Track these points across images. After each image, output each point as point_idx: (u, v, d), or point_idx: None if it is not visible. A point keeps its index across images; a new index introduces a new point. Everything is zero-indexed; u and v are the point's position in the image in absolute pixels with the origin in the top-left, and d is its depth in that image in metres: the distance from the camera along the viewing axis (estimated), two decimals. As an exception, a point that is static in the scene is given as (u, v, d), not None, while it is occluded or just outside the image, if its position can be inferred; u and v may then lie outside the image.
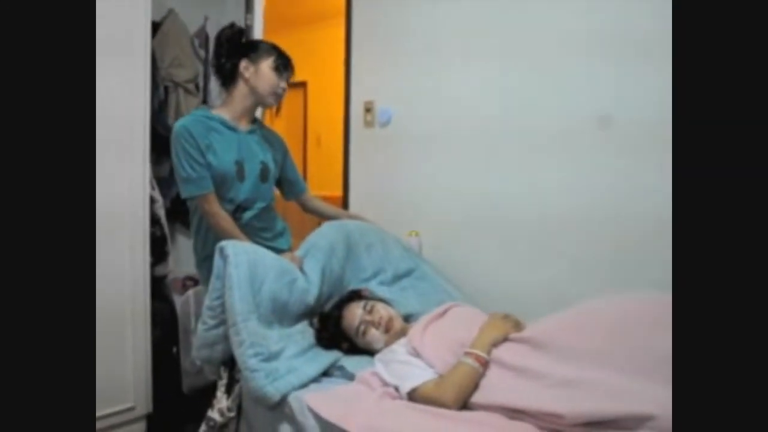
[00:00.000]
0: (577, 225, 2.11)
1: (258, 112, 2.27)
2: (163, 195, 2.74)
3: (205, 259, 2.03)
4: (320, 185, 5.10)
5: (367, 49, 2.77)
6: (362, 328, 1.78)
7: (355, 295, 1.91)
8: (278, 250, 2.02)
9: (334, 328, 1.83)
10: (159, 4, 2.75)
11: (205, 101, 3.04)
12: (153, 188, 2.52)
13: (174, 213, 2.95)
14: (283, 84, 2.05)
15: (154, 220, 2.50)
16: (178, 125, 1.93)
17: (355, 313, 1.81)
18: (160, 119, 2.75)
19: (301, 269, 1.94)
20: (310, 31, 5.24)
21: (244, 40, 2.18)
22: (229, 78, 2.03)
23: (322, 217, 2.35)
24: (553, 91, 2.16)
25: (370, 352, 1.78)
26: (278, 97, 2.07)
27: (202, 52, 3.09)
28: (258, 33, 3.17)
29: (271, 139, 2.18)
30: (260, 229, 2.09)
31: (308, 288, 1.90)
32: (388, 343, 1.74)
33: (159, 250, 2.54)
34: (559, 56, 2.14)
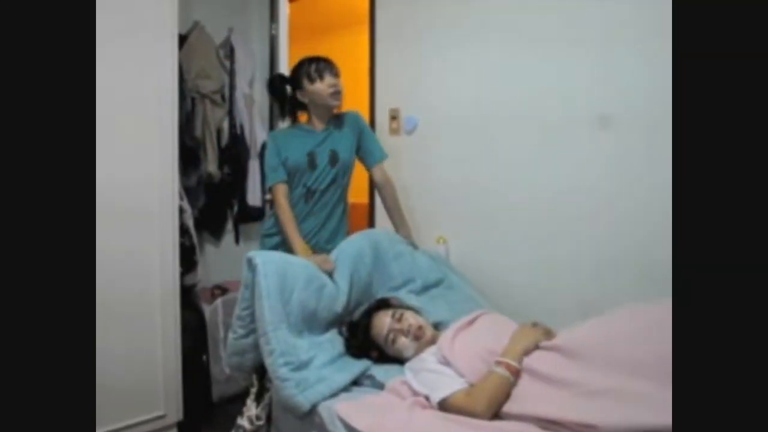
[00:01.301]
0: (606, 226, 2.09)
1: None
2: (192, 205, 2.77)
3: (267, 236, 2.33)
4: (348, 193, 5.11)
5: (391, 56, 2.78)
6: (391, 336, 1.77)
7: (384, 304, 1.90)
8: (331, 234, 2.27)
9: (363, 336, 1.82)
10: (185, 16, 2.79)
11: (230, 112, 3.07)
12: (182, 198, 2.55)
13: (202, 223, 2.98)
14: (330, 81, 2.20)
15: (183, 230, 2.53)
16: (270, 137, 2.43)
17: (383, 321, 1.80)
18: (187, 130, 2.79)
19: (331, 276, 1.95)
20: (334, 38, 5.26)
21: (282, 76, 2.42)
22: (299, 108, 2.33)
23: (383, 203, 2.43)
24: (594, 88, 2.13)
25: (400, 361, 1.77)
26: (336, 96, 2.23)
27: (227, 63, 3.12)
28: (283, 42, 3.20)
29: (344, 126, 2.33)
30: (323, 211, 2.28)
31: (337, 295, 1.91)
32: (417, 351, 1.73)
33: (188, 259, 2.56)
34: (597, 52, 2.12)
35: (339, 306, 1.90)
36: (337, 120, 2.32)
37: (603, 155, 2.10)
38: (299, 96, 2.26)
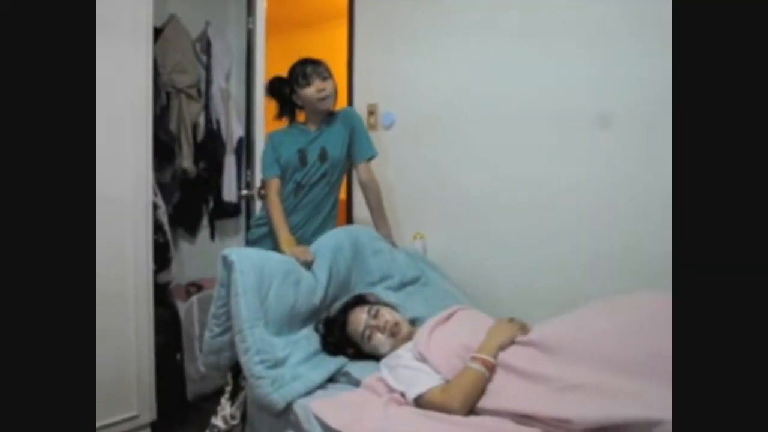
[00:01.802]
0: (588, 224, 2.11)
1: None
2: (166, 201, 2.73)
3: (257, 226, 2.41)
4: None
5: (370, 51, 2.76)
6: (367, 332, 1.76)
7: (360, 300, 1.89)
8: (317, 228, 2.30)
9: (340, 333, 1.81)
10: (160, 9, 2.74)
11: (207, 107, 3.03)
12: (155, 194, 2.51)
13: (177, 219, 2.94)
14: (319, 86, 2.23)
15: (157, 227, 2.48)
16: (267, 137, 2.45)
17: (360, 317, 1.79)
18: (162, 125, 2.74)
19: (309, 267, 1.95)
20: (312, 33, 5.22)
21: (280, 78, 2.35)
22: (297, 108, 2.37)
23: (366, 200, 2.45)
24: (566, 86, 2.15)
25: (376, 357, 1.76)
26: (324, 100, 2.26)
27: (204, 58, 3.07)
28: (260, 36, 3.15)
29: (337, 123, 2.35)
30: (310, 205, 2.32)
31: (315, 288, 1.90)
32: (393, 348, 1.72)
33: (162, 256, 2.52)
34: (567, 49, 2.13)
35: (317, 299, 1.89)
36: (331, 118, 2.35)
37: (582, 151, 2.12)
38: (294, 98, 2.31)
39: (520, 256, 2.28)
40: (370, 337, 1.76)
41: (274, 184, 2.28)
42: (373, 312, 1.79)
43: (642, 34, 1.95)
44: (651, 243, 1.93)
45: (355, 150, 2.37)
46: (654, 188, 1.94)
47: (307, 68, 2.24)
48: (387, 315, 1.79)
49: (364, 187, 2.39)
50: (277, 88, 2.35)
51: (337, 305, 1.92)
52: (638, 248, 1.98)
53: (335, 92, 2.31)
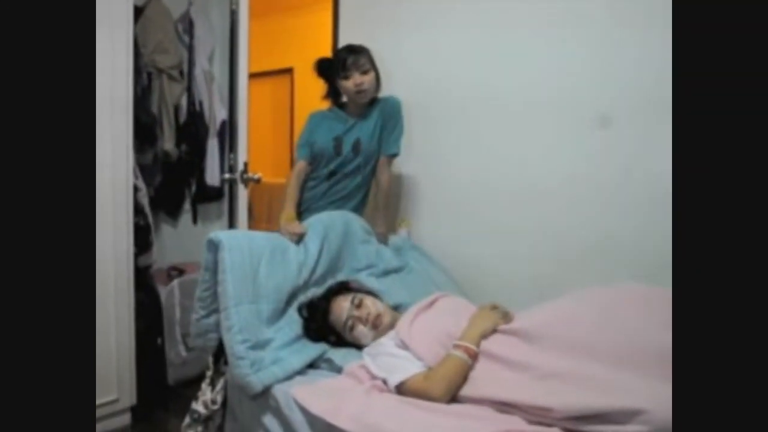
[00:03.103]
0: (574, 212, 2.13)
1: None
2: (147, 183, 2.69)
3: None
4: (308, 173, 5.05)
5: (355, 36, 2.72)
6: (350, 323, 1.75)
7: (344, 288, 1.88)
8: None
9: (322, 320, 1.80)
10: (141, -13, 2.69)
11: (189, 88, 2.98)
12: (136, 177, 2.47)
13: (159, 202, 2.90)
14: (356, 81, 2.20)
15: (138, 210, 2.45)
16: (309, 116, 2.43)
17: (342, 306, 1.78)
18: (143, 106, 2.69)
19: (299, 242, 1.96)
20: (297, 15, 5.16)
21: (327, 60, 2.33)
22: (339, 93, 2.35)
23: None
24: (552, 74, 2.16)
25: (358, 345, 1.76)
26: (361, 93, 2.23)
27: (186, 38, 3.02)
28: (244, 18, 3.10)
29: (374, 114, 2.32)
30: (341, 194, 2.33)
31: (305, 260, 1.91)
32: (375, 339, 1.72)
33: (142, 239, 2.49)
34: (559, 37, 2.13)
35: (306, 270, 1.89)
36: (371, 107, 2.32)
37: (574, 142, 2.13)
38: (337, 84, 2.29)
39: (511, 245, 2.29)
40: (352, 328, 1.75)
41: (300, 166, 2.31)
42: (356, 301, 1.78)
43: (641, 26, 1.95)
44: (642, 236, 1.96)
45: (381, 142, 2.33)
46: (644, 181, 1.96)
47: (348, 59, 2.20)
48: (370, 306, 1.77)
49: (376, 182, 2.37)
50: (323, 69, 2.32)
51: (320, 291, 1.91)
52: (629, 240, 2.00)
53: (377, 84, 2.27)
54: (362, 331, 1.74)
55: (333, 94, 2.36)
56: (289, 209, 2.18)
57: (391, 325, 1.72)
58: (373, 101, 2.31)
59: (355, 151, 2.28)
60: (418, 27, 2.49)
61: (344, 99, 2.36)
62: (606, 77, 2.02)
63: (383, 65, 2.59)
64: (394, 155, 2.35)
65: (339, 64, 2.22)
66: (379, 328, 1.74)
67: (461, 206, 2.42)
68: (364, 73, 2.20)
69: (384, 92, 2.40)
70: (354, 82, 2.20)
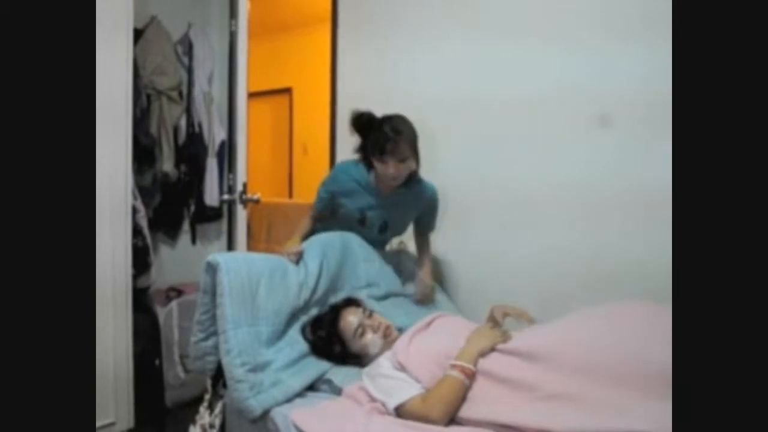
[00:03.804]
0: (573, 221, 2.14)
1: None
2: (146, 204, 2.69)
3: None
4: (307, 194, 5.06)
5: (353, 55, 2.75)
6: (360, 330, 1.75)
7: (352, 302, 1.89)
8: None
9: (330, 327, 1.80)
10: (141, 10, 2.70)
11: (188, 110, 2.99)
12: (135, 198, 2.47)
13: (157, 223, 2.90)
14: (392, 171, 1.99)
15: (136, 231, 2.45)
16: (338, 164, 2.26)
17: (354, 313, 1.80)
18: (142, 127, 2.70)
19: (298, 262, 1.94)
20: (296, 36, 5.21)
21: (368, 118, 2.06)
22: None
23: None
24: (548, 93, 2.17)
25: (358, 363, 1.75)
26: (395, 181, 2.04)
27: (185, 60, 3.04)
28: (243, 39, 3.13)
29: (410, 199, 2.17)
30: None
31: (305, 279, 1.90)
32: (383, 350, 1.72)
33: (141, 261, 2.48)
34: (560, 47, 2.15)
35: (307, 290, 1.88)
36: (406, 190, 2.13)
37: (573, 151, 2.14)
38: (370, 154, 2.05)
39: (507, 256, 2.30)
40: (363, 334, 1.75)
41: (316, 215, 2.23)
42: (367, 312, 1.81)
43: (641, 33, 1.96)
44: (642, 245, 1.96)
45: (421, 222, 2.30)
46: (644, 189, 1.96)
47: (387, 143, 1.95)
48: (380, 318, 1.80)
49: (416, 242, 2.35)
50: (361, 126, 2.08)
51: (324, 309, 1.91)
52: (629, 250, 2.00)
53: (415, 169, 2.08)
54: (372, 338, 1.75)
55: (366, 156, 2.09)
56: (295, 239, 2.10)
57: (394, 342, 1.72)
58: (408, 179, 2.10)
59: (381, 230, 2.22)
60: (416, 46, 2.51)
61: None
62: (606, 84, 2.04)
63: (382, 84, 2.61)
64: (432, 231, 2.33)
65: (374, 144, 1.98)
66: (388, 338, 1.75)
67: (458, 220, 2.42)
68: (403, 161, 1.98)
69: (384, 110, 2.41)
70: (389, 170, 1.98)
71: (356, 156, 2.15)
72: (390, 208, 2.16)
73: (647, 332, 1.38)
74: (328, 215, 2.23)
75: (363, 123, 2.05)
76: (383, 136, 1.96)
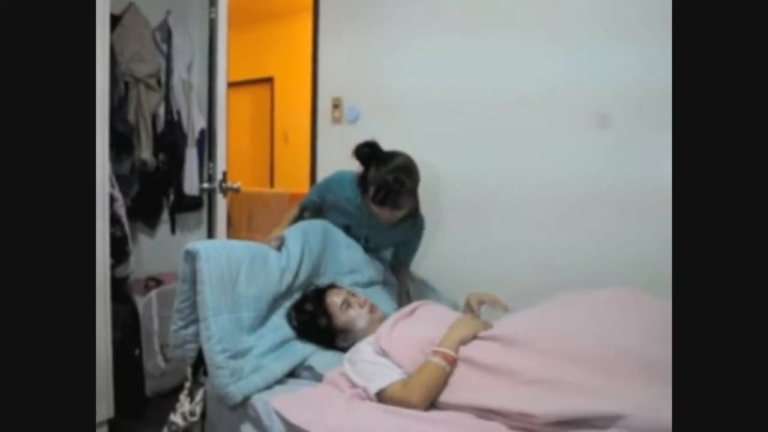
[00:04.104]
0: (570, 219, 2.16)
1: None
2: (124, 193, 2.65)
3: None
4: (288, 183, 5.04)
5: (334, 45, 2.74)
6: (346, 304, 1.80)
7: (336, 286, 1.94)
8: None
9: (316, 301, 1.83)
10: (119, -4, 2.67)
11: (167, 98, 2.96)
12: (113, 186, 2.44)
13: (136, 212, 2.87)
14: (386, 215, 1.95)
15: (114, 220, 2.41)
16: (338, 174, 2.19)
17: (340, 291, 1.87)
18: (119, 115, 2.66)
19: (280, 249, 1.94)
20: (277, 25, 5.16)
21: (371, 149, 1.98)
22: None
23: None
24: (528, 89, 2.19)
25: (344, 343, 1.77)
26: (389, 221, 2.01)
27: (164, 47, 3.00)
28: (222, 27, 3.09)
29: (400, 227, 2.11)
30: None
31: (287, 263, 1.90)
32: (369, 326, 1.75)
33: (119, 250, 2.45)
34: (539, 42, 2.16)
35: (289, 274, 1.88)
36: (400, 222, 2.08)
37: (569, 149, 2.16)
38: (367, 196, 1.97)
39: (506, 253, 2.31)
40: (349, 306, 1.79)
41: (304, 209, 2.26)
42: (352, 292, 1.87)
43: (639, 29, 1.98)
44: (641, 242, 1.99)
45: (397, 252, 2.31)
46: (642, 187, 1.99)
47: (389, 195, 1.88)
48: (364, 298, 1.87)
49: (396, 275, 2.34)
50: (363, 158, 1.98)
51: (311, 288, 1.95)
52: (626, 248, 2.03)
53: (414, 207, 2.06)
54: (359, 312, 1.79)
55: (364, 181, 1.99)
56: (281, 227, 2.08)
57: (380, 323, 1.73)
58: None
59: (365, 243, 2.23)
60: (398, 36, 2.50)
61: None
62: (604, 82, 2.05)
63: (363, 74, 2.60)
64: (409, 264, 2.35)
65: (377, 191, 1.89)
66: (374, 314, 1.80)
67: (437, 214, 2.42)
68: (400, 209, 1.95)
69: (365, 100, 2.41)
70: (384, 214, 1.95)
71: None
72: (375, 228, 2.13)
73: (624, 317, 1.41)
74: (316, 212, 2.25)
75: (364, 156, 1.97)
76: (385, 185, 1.87)
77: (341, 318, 1.78)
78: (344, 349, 1.74)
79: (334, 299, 1.82)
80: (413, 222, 2.17)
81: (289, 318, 1.84)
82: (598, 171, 2.08)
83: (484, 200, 2.33)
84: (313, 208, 2.26)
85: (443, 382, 1.45)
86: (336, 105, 2.69)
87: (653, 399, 1.19)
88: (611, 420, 1.19)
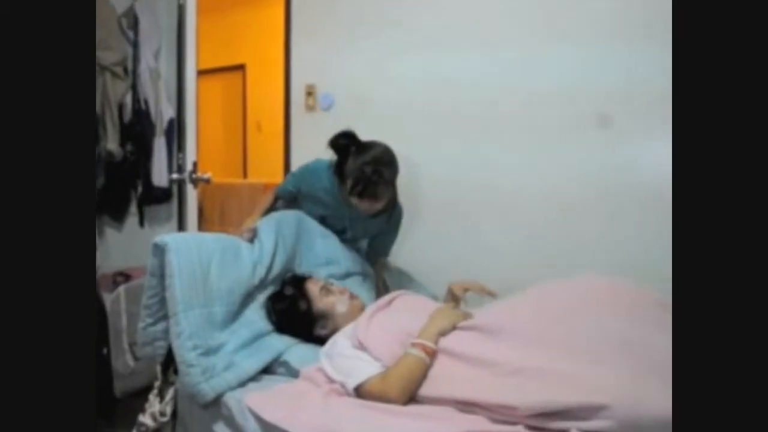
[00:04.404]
0: (565, 218, 2.14)
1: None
2: (90, 185, 2.57)
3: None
4: (260, 172, 4.96)
5: (307, 31, 2.67)
6: (325, 290, 1.79)
7: (313, 277, 1.89)
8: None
9: (295, 285, 1.80)
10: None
11: (134, 86, 2.86)
12: (77, 178, 2.35)
13: (101, 205, 2.78)
14: (365, 207, 1.90)
15: (80, 212, 2.33)
16: (314, 162, 2.10)
17: (318, 279, 1.85)
18: (84, 104, 2.57)
19: (252, 240, 1.89)
20: (249, 11, 5.06)
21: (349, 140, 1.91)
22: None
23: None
24: (508, 69, 2.18)
25: (321, 337, 1.72)
26: (368, 212, 1.96)
27: (131, 34, 2.90)
28: (191, 13, 3.00)
29: (377, 220, 2.09)
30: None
31: (260, 256, 1.85)
32: (349, 313, 1.73)
33: (86, 244, 2.37)
34: (509, 36, 2.14)
35: (261, 267, 1.82)
36: (379, 214, 2.05)
37: (566, 149, 2.14)
38: (344, 187, 1.92)
39: (502, 253, 2.28)
40: (329, 291, 1.78)
41: (279, 200, 2.21)
42: (330, 280, 1.85)
43: (640, 29, 1.96)
44: (640, 242, 1.98)
45: (375, 245, 2.25)
46: (642, 186, 1.97)
47: (366, 188, 1.82)
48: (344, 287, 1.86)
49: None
50: (339, 149, 1.92)
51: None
52: (624, 247, 2.02)
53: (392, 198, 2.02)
54: (338, 297, 1.77)
55: (338, 172, 1.95)
56: (253, 218, 2.03)
57: (360, 312, 1.70)
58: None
59: (340, 232, 2.18)
60: (373, 23, 2.45)
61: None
62: (603, 82, 2.04)
63: (337, 60, 2.55)
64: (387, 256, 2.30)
65: (355, 183, 1.83)
66: (354, 300, 1.79)
67: (430, 206, 2.39)
68: (380, 200, 1.89)
69: (339, 88, 2.34)
70: (363, 206, 1.90)
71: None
72: (353, 218, 2.09)
73: (606, 305, 1.39)
74: (290, 202, 2.20)
75: (341, 147, 1.91)
76: (363, 177, 1.81)
77: (322, 302, 1.76)
78: (323, 339, 1.69)
79: (312, 286, 1.80)
80: (391, 212, 2.13)
81: (266, 308, 1.79)
82: (590, 170, 2.07)
83: (464, 190, 2.30)
84: (287, 198, 2.20)
85: (423, 375, 1.41)
86: (309, 92, 2.63)
87: (636, 388, 1.17)
88: (594, 410, 1.16)
